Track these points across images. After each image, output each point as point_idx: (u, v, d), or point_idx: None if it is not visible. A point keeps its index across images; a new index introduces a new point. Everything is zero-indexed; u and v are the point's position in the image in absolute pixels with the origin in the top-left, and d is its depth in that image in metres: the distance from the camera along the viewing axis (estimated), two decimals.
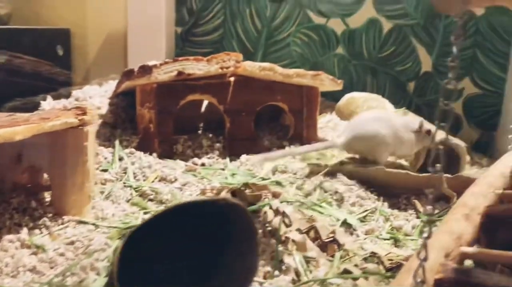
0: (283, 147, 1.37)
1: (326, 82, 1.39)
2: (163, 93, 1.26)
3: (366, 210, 1.07)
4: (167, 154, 1.26)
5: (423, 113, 1.81)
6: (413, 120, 1.26)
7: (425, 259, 0.46)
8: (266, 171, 1.23)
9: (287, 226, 0.83)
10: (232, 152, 1.32)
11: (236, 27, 1.84)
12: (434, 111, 1.81)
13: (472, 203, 0.73)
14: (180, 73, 1.23)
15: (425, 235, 0.47)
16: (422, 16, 1.74)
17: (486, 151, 1.77)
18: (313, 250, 0.76)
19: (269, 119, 1.52)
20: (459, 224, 0.66)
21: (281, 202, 0.97)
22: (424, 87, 1.79)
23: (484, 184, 0.82)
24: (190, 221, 0.54)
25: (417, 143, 1.24)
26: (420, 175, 1.12)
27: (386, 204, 1.10)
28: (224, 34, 1.85)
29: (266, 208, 0.92)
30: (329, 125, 1.59)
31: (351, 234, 1.01)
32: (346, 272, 0.69)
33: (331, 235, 0.79)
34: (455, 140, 1.30)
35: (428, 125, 1.24)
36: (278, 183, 1.15)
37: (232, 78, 1.34)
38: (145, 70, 1.21)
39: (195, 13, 1.86)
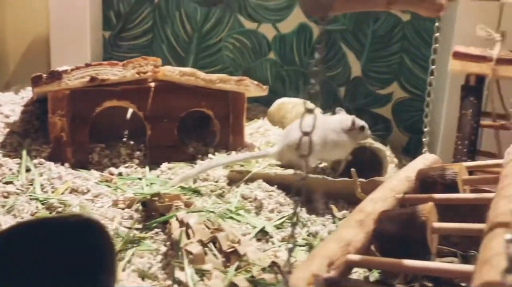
0: (207, 154, 1.33)
1: (251, 88, 1.37)
2: (76, 100, 1.19)
3: (283, 216, 1.06)
4: (81, 164, 1.19)
5: None
6: (344, 119, 1.21)
7: (289, 272, 0.44)
8: None
9: (190, 237, 0.79)
10: (153, 160, 1.27)
11: (166, 31, 1.79)
12: (365, 116, 1.83)
13: (369, 208, 0.72)
14: (93, 78, 1.17)
15: (290, 246, 0.45)
16: (351, 21, 1.76)
17: (415, 154, 1.81)
18: (211, 262, 0.72)
19: (198, 125, 1.48)
20: (351, 230, 0.64)
21: (191, 212, 0.94)
22: (354, 92, 1.81)
23: (387, 188, 0.82)
24: (54, 236, 0.49)
25: (352, 142, 1.22)
26: (336, 179, 1.12)
27: (304, 209, 1.09)
28: (154, 39, 1.80)
29: (173, 219, 0.88)
30: (259, 131, 1.57)
31: (267, 241, 0.99)
32: (233, 285, 0.66)
33: (234, 245, 0.77)
34: (375, 144, 1.31)
35: (360, 121, 1.23)
36: (197, 192, 1.12)
37: (152, 84, 1.29)
38: (54, 76, 1.14)
39: (123, 17, 1.80)
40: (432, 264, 0.54)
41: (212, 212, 0.95)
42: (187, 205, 0.98)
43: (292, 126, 1.27)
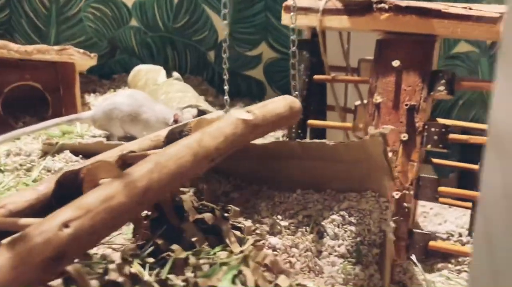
0: None
1: (76, 57, 1.33)
2: None
3: None
4: None
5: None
6: (170, 114, 1.20)
7: None
8: None
9: None
10: None
11: (23, 5, 1.73)
12: (236, 80, 1.80)
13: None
14: None
15: None
16: None
17: None
18: None
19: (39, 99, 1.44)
20: (26, 193, 0.63)
21: None
22: None
23: (119, 148, 0.80)
24: None
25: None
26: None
27: None
28: (12, 14, 1.74)
29: None
30: None
31: None
32: None
33: None
34: (205, 106, 1.29)
35: (181, 114, 1.20)
36: None
37: None
38: None
39: None
40: None
41: None
42: None
43: (115, 94, 1.26)
